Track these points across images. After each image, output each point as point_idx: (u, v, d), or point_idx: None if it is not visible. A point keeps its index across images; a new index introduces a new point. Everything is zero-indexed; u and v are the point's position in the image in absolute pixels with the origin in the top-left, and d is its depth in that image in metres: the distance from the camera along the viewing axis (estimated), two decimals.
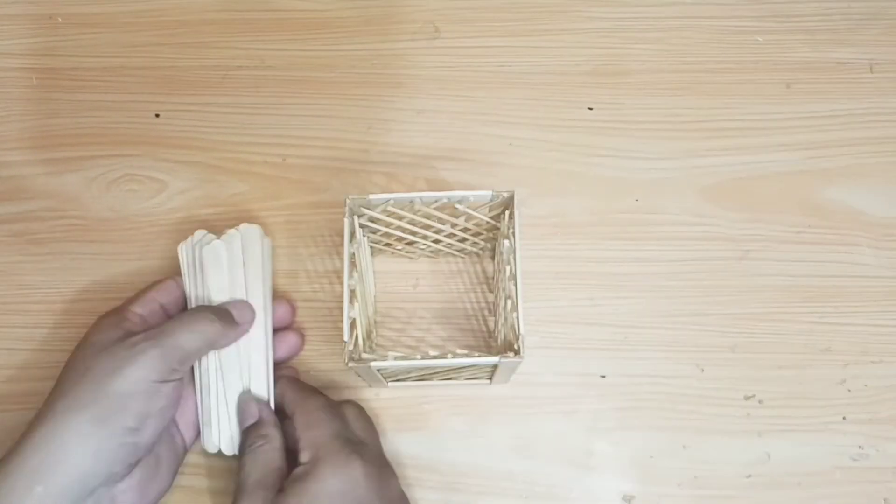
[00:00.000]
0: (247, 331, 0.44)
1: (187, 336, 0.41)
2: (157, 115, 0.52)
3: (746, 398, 0.47)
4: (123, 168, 0.51)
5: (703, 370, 0.47)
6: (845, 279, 0.49)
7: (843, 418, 0.47)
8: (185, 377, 0.43)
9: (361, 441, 0.42)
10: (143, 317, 0.43)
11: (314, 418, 0.42)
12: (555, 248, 0.50)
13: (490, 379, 0.46)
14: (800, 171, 0.51)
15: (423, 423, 0.46)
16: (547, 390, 0.47)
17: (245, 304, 0.44)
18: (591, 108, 0.52)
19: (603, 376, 0.47)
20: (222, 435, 0.43)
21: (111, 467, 0.38)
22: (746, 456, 0.46)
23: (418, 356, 0.39)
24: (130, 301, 0.44)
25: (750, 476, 0.46)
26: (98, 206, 0.51)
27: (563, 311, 0.48)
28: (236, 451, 0.43)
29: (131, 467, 0.40)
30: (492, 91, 0.53)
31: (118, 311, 0.43)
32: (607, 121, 0.52)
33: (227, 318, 0.43)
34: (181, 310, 0.46)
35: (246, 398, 0.43)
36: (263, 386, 0.44)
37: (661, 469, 0.46)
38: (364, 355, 0.39)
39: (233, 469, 0.45)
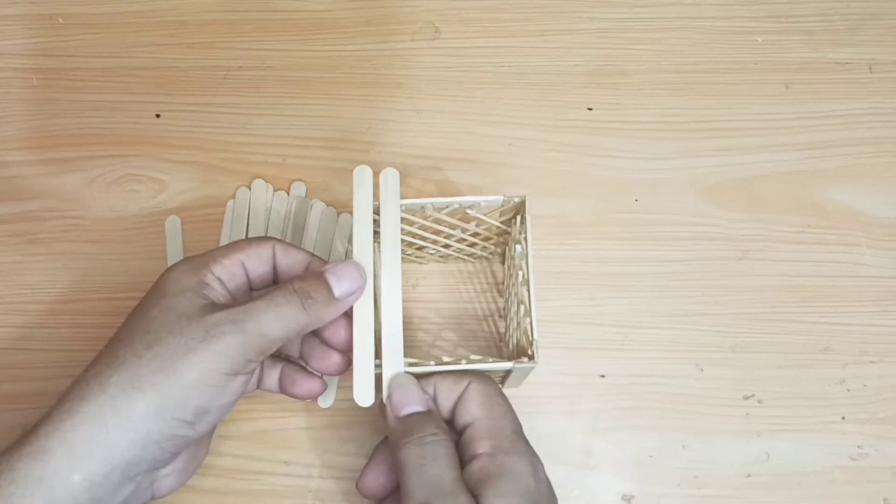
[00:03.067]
0: (351, 303, 0.38)
1: (274, 322, 0.35)
2: (158, 116, 0.53)
3: (746, 398, 0.47)
4: (124, 168, 0.51)
5: (702, 370, 0.47)
6: (845, 279, 0.49)
7: (843, 418, 0.47)
8: (257, 367, 0.38)
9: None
10: (221, 281, 0.38)
11: (496, 405, 0.37)
12: (555, 248, 0.50)
13: (502, 384, 0.46)
14: (799, 171, 0.51)
15: None
16: (547, 390, 0.47)
17: (351, 268, 0.37)
18: (590, 109, 0.52)
19: (603, 376, 0.47)
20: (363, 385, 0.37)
21: (158, 456, 0.35)
22: (746, 456, 0.46)
23: (432, 362, 0.39)
24: (212, 257, 0.38)
25: (749, 476, 0.46)
26: (98, 207, 0.51)
27: (563, 311, 0.49)
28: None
29: (177, 455, 0.36)
30: (492, 91, 0.53)
31: (197, 268, 0.37)
32: (607, 121, 0.52)
33: (324, 293, 0.36)
34: (267, 282, 0.40)
35: (406, 379, 0.37)
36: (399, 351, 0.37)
37: (661, 469, 0.46)
38: (378, 361, 0.38)
39: (231, 468, 0.46)
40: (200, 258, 0.38)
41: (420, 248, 0.46)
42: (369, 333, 0.37)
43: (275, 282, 0.41)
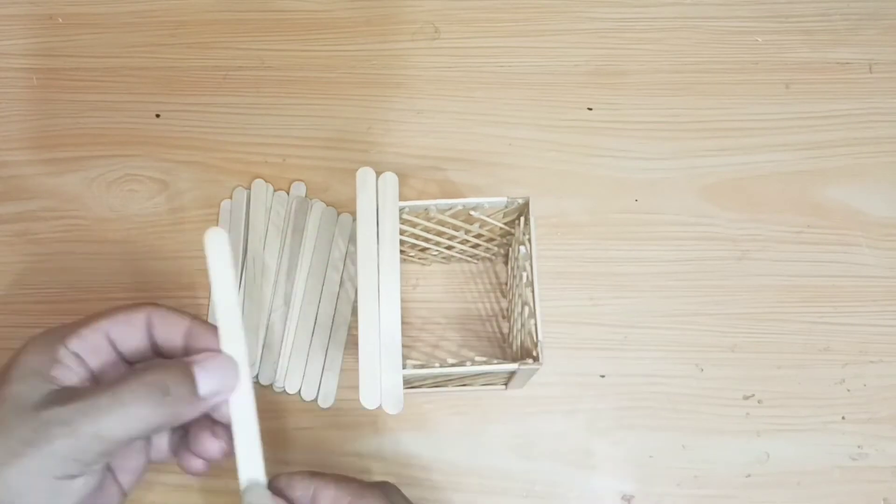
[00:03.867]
0: (218, 403, 0.34)
1: (117, 423, 0.31)
2: (158, 116, 0.53)
3: (746, 398, 0.47)
4: (124, 168, 0.51)
5: (702, 370, 0.47)
6: (844, 279, 0.49)
7: (843, 418, 0.47)
8: (110, 463, 0.34)
9: None
10: (79, 357, 0.33)
11: None
12: (555, 248, 0.50)
13: (506, 385, 0.46)
14: (799, 171, 0.51)
15: (423, 423, 0.46)
16: (547, 390, 0.47)
17: (224, 364, 0.33)
18: (590, 109, 0.53)
19: (603, 376, 0.47)
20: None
21: None
22: (746, 455, 0.46)
23: (436, 364, 0.39)
24: (71, 328, 0.34)
25: (749, 476, 0.46)
26: (98, 207, 0.51)
27: (563, 311, 0.48)
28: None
29: None
30: (491, 91, 0.53)
31: (51, 343, 0.33)
32: (607, 121, 0.52)
33: (186, 389, 0.32)
34: (145, 356, 0.35)
35: (261, 499, 0.33)
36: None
37: (661, 469, 0.46)
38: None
39: (230, 468, 0.45)
40: (59, 330, 0.34)
41: (423, 250, 0.46)
42: (374, 334, 0.37)
43: (156, 355, 0.36)
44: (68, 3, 0.55)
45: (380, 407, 0.37)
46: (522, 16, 0.54)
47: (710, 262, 0.49)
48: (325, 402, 0.47)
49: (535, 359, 0.38)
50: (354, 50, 0.54)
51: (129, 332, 0.35)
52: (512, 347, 0.46)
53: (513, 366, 0.38)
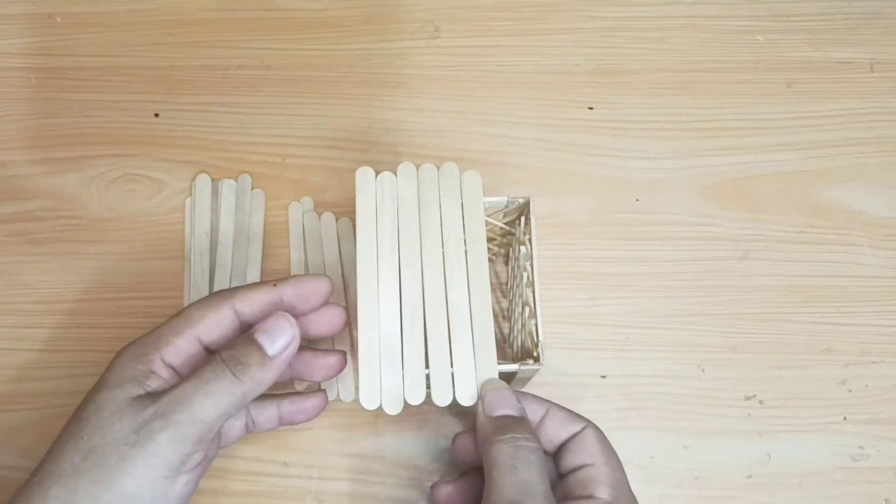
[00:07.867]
0: (290, 357, 0.36)
1: (206, 402, 0.33)
2: (157, 115, 0.52)
3: (747, 398, 0.47)
4: (123, 168, 0.51)
5: (703, 370, 0.47)
6: (846, 279, 0.49)
7: (844, 418, 0.46)
8: (209, 452, 0.35)
9: None
10: (174, 368, 0.35)
11: (614, 456, 0.37)
12: (555, 247, 0.49)
13: None
14: (800, 170, 0.51)
15: (423, 423, 0.46)
16: (547, 390, 0.46)
17: (281, 322, 0.35)
18: (591, 108, 0.52)
19: (603, 376, 0.47)
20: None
21: None
22: (747, 456, 0.46)
23: None
24: (163, 338, 0.35)
25: (750, 476, 0.46)
26: (97, 206, 0.50)
27: (563, 311, 0.48)
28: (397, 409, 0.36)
29: None
30: (492, 90, 0.53)
31: (144, 355, 0.35)
32: (607, 120, 0.52)
33: (256, 356, 0.34)
34: (233, 338, 0.37)
35: (500, 384, 0.36)
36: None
37: (662, 469, 0.46)
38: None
39: (229, 469, 0.45)
40: (150, 341, 0.35)
41: None
42: (374, 337, 0.37)
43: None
44: (67, 2, 0.55)
45: (379, 407, 0.37)
46: (523, 14, 0.54)
47: (711, 263, 0.49)
48: (349, 397, 0.46)
49: (536, 359, 0.37)
50: (354, 49, 0.54)
51: (220, 329, 0.37)
52: (512, 348, 0.45)
53: (513, 366, 0.38)
